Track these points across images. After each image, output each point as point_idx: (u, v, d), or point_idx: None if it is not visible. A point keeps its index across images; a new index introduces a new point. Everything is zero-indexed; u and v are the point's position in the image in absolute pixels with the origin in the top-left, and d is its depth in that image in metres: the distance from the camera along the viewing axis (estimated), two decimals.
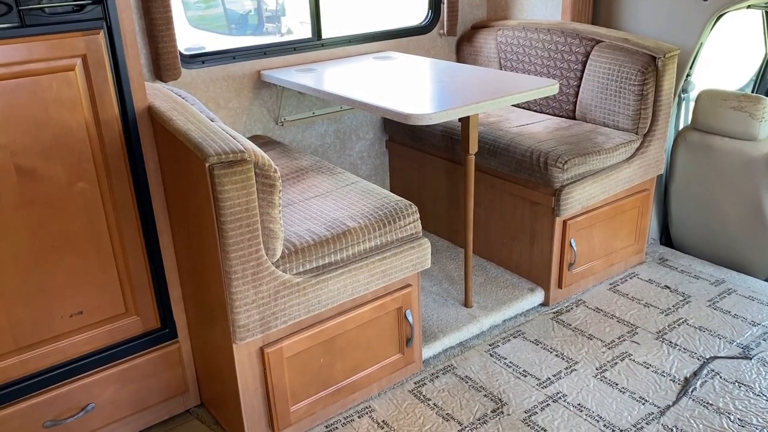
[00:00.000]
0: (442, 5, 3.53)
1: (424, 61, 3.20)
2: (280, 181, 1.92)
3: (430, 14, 3.57)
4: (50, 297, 1.95)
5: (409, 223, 2.28)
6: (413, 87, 2.71)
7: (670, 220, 3.48)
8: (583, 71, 3.14)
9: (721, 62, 4.16)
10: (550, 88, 2.57)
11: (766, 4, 3.64)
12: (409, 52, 3.51)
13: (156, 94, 2.11)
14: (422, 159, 3.41)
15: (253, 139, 3.07)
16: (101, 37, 1.83)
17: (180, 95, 2.22)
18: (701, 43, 3.09)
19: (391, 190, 3.73)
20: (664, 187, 3.45)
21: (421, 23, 3.58)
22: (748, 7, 3.14)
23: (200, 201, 1.87)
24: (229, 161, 1.77)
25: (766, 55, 4.03)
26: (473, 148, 2.57)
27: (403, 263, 2.27)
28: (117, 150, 1.95)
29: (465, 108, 2.34)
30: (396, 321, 2.37)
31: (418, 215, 2.30)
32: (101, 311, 2.06)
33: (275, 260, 1.98)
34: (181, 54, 2.78)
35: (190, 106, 2.07)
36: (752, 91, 4.11)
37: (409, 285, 2.36)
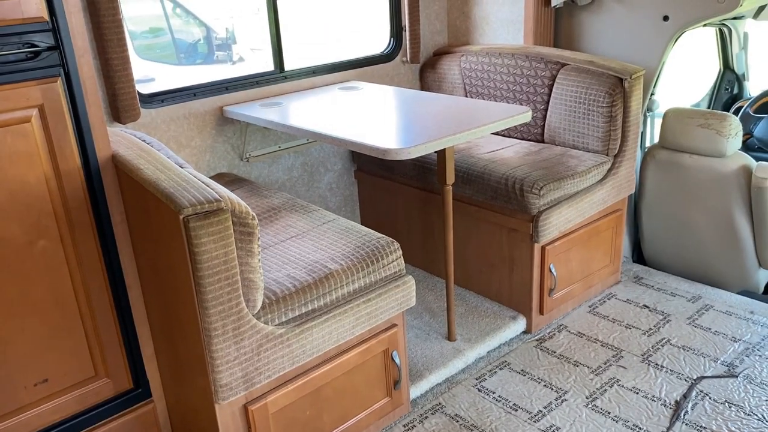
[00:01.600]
0: (404, 33, 3.49)
1: (390, 91, 3.15)
2: (259, 228, 1.81)
3: (392, 42, 3.53)
4: (11, 367, 1.79)
5: (392, 261, 2.20)
6: (385, 118, 2.64)
7: (641, 237, 3.50)
8: (549, 95, 3.14)
9: (676, 79, 4.25)
10: (523, 115, 2.54)
11: (720, 21, 3.74)
12: (374, 80, 3.46)
13: (119, 141, 1.99)
14: (393, 188, 3.34)
15: (219, 177, 2.95)
16: (59, 85, 1.71)
17: (144, 140, 2.10)
18: (663, 62, 3.12)
19: (362, 221, 3.65)
20: (633, 205, 3.47)
21: (384, 51, 3.53)
22: (704, 24, 3.20)
23: (174, 254, 1.75)
24: (205, 212, 1.66)
25: (719, 71, 4.13)
26: (450, 179, 2.51)
27: (389, 303, 2.18)
28: (80, 203, 1.81)
29: (443, 140, 2.28)
30: (383, 364, 2.27)
31: (401, 252, 2.22)
32: (69, 377, 1.91)
33: (256, 312, 1.87)
34: (139, 94, 2.66)
35: (157, 153, 1.95)
36: (708, 106, 4.21)
37: (394, 325, 2.27)
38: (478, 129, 2.39)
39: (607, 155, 3.01)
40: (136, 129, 2.67)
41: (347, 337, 2.09)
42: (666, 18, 3.00)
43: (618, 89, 2.90)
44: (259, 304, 1.87)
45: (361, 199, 3.60)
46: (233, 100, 2.97)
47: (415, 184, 3.20)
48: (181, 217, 1.64)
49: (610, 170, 3.00)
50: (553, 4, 3.25)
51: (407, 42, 3.48)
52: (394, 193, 3.35)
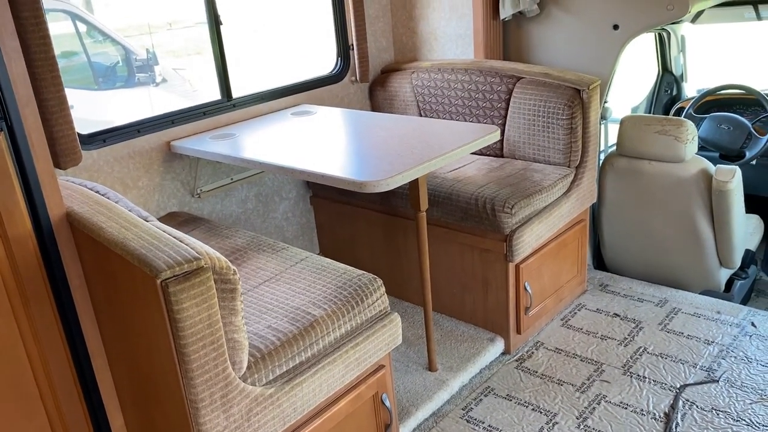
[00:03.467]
0: (351, 52, 3.37)
1: (345, 113, 3.03)
2: (241, 283, 1.65)
3: (340, 62, 3.41)
4: None
5: (377, 300, 2.07)
6: (348, 145, 2.52)
7: (602, 244, 3.51)
8: (507, 109, 3.10)
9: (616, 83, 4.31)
10: (493, 134, 2.47)
11: (661, 28, 3.82)
12: (324, 102, 3.32)
13: (71, 196, 1.78)
14: (353, 213, 3.21)
15: (170, 217, 2.74)
16: (1, 140, 1.50)
17: (98, 191, 1.89)
18: (615, 70, 3.14)
19: (321, 249, 3.50)
20: (592, 213, 3.48)
21: (332, 72, 3.40)
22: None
23: (149, 321, 1.57)
24: (185, 273, 1.49)
25: (658, 74, 4.23)
26: (424, 205, 2.41)
27: (376, 345, 2.05)
28: (33, 272, 1.60)
29: (419, 168, 2.18)
30: (373, 409, 2.14)
31: (384, 289, 2.10)
32: None
33: (242, 374, 1.70)
34: (79, 135, 2.42)
35: (116, 205, 1.75)
36: (649, 108, 4.30)
37: (382, 366, 2.14)
38: (452, 153, 2.30)
39: (569, 167, 2.99)
40: (77, 173, 2.44)
41: (337, 387, 1.95)
42: (616, 27, 3.02)
43: (576, 101, 2.89)
44: (245, 365, 1.71)
45: (319, 225, 3.46)
46: (181, 134, 2.77)
47: (377, 208, 3.08)
48: (159, 281, 1.46)
49: (573, 182, 2.98)
50: (501, 17, 3.22)
51: (355, 61, 3.37)
52: (355, 218, 3.22)
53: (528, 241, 2.72)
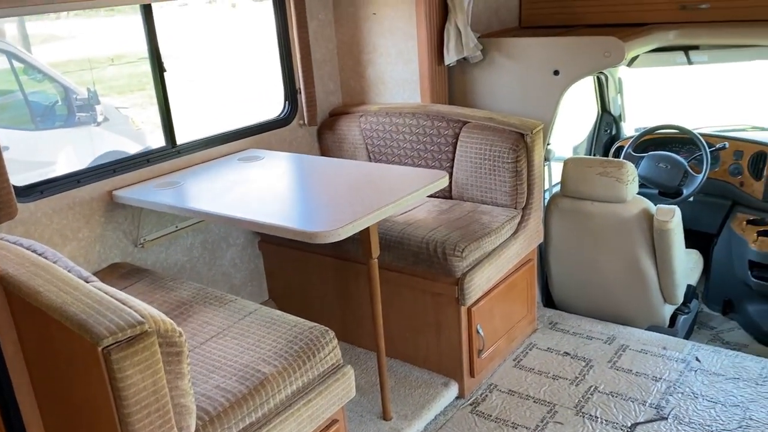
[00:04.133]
0: (299, 96, 3.37)
1: (294, 159, 3.01)
2: (187, 344, 1.59)
3: (287, 106, 3.40)
4: None
5: (329, 353, 2.04)
6: (297, 192, 2.50)
7: (550, 282, 3.56)
8: (454, 152, 3.14)
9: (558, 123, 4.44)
10: (442, 180, 2.49)
11: (600, 72, 3.96)
12: (272, 146, 3.29)
13: (5, 257, 1.69)
14: (303, 258, 3.17)
15: (112, 269, 2.64)
16: None
17: (34, 250, 1.80)
18: (556, 114, 3.23)
19: (270, 295, 3.43)
20: (540, 252, 3.53)
21: (279, 116, 3.39)
22: None
23: (90, 389, 1.49)
24: (128, 338, 1.42)
25: (598, 114, 4.38)
26: (375, 252, 2.40)
27: (330, 400, 2.01)
28: None
29: (370, 216, 2.17)
30: None
31: (336, 341, 2.06)
32: None
33: None
34: (14, 187, 2.32)
35: (54, 266, 1.68)
36: (589, 147, 4.44)
37: (335, 421, 2.10)
38: (403, 200, 2.30)
39: (515, 208, 3.03)
40: (13, 227, 2.33)
41: None
42: (557, 72, 3.11)
43: (521, 144, 2.95)
44: (193, 430, 1.64)
45: (268, 271, 3.39)
46: (123, 183, 2.69)
47: (328, 253, 3.05)
48: (100, 348, 1.40)
49: (520, 223, 3.03)
50: (446, 63, 3.28)
51: (303, 104, 3.37)
52: (305, 263, 3.18)
53: (479, 283, 2.74)
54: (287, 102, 3.40)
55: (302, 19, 3.21)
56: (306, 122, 3.39)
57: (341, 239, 2.07)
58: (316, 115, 3.41)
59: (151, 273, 2.58)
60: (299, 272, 3.23)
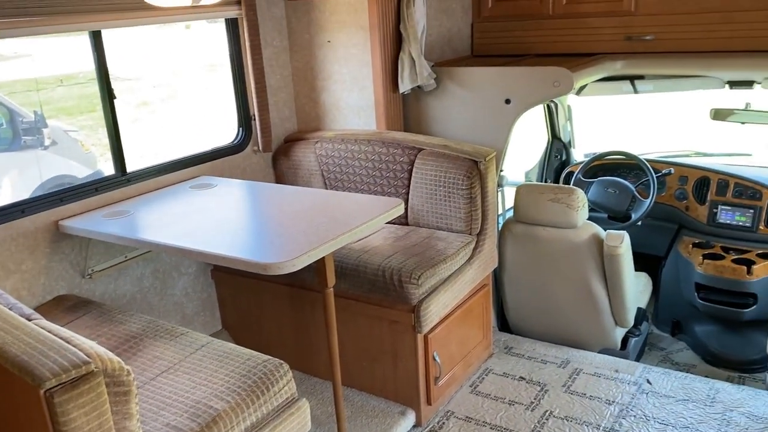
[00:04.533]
0: (253, 122, 3.34)
1: (247, 186, 2.97)
2: (136, 383, 1.54)
3: (241, 132, 3.37)
4: None
5: (284, 386, 2.00)
6: (250, 221, 2.47)
7: (505, 307, 3.60)
8: (410, 179, 3.15)
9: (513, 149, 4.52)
10: (397, 208, 2.50)
11: (550, 100, 4.06)
12: (225, 173, 3.25)
13: None
14: (257, 286, 3.12)
15: (58, 302, 2.55)
16: None
17: None
18: (509, 141, 3.29)
19: (223, 324, 3.36)
20: (495, 277, 3.56)
21: (233, 142, 3.35)
22: None
23: None
24: (72, 380, 1.37)
25: (549, 140, 4.48)
26: (331, 281, 2.38)
27: None
28: None
29: (325, 246, 2.15)
30: None
31: (291, 374, 2.03)
32: None
33: None
34: None
35: None
36: (541, 172, 4.53)
37: None
38: (358, 229, 2.29)
39: (470, 234, 3.06)
40: None
41: None
42: (508, 101, 3.17)
43: (474, 171, 2.99)
44: None
45: (221, 300, 3.33)
46: (70, 212, 2.61)
47: (283, 281, 3.01)
48: (42, 391, 1.34)
49: (475, 249, 3.05)
50: (401, 91, 3.31)
51: (257, 131, 3.34)
52: (259, 291, 3.13)
53: (435, 310, 2.74)
54: (241, 128, 3.37)
55: (256, 45, 3.20)
56: (260, 149, 3.37)
57: (295, 270, 2.04)
58: (270, 141, 3.39)
59: (99, 305, 2.50)
60: (253, 301, 3.18)
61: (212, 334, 3.27)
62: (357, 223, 2.33)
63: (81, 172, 6.07)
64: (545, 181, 4.54)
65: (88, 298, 2.65)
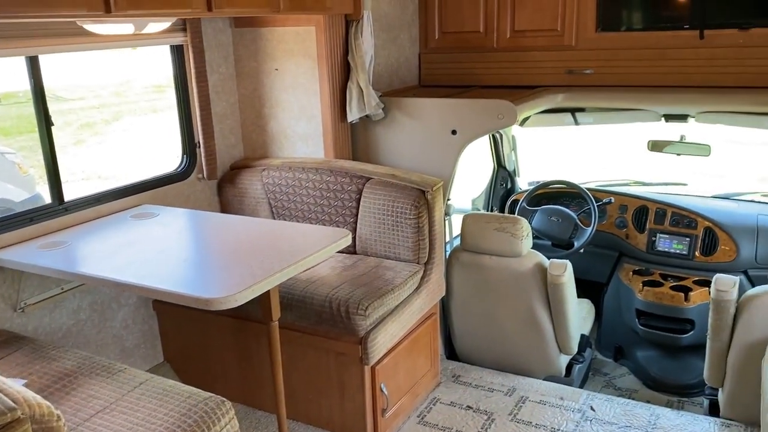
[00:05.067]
0: (197, 149, 3.29)
1: (191, 215, 2.91)
2: (67, 426, 1.47)
3: (185, 159, 3.30)
4: None
5: (226, 425, 1.95)
6: (193, 253, 2.41)
7: (453, 335, 3.61)
8: (358, 208, 3.15)
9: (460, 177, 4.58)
10: (344, 239, 2.49)
11: (492, 135, 4.16)
12: (168, 202, 3.17)
13: None
14: (200, 317, 3.03)
15: None
16: None
17: None
18: (455, 170, 3.33)
19: (165, 356, 3.26)
20: (443, 305, 3.58)
21: (177, 170, 3.28)
22: None
23: None
24: None
25: (494, 169, 4.57)
26: (276, 314, 2.34)
27: None
28: None
29: (270, 280, 2.12)
30: None
31: (233, 412, 1.98)
32: None
33: None
34: None
35: None
36: (487, 200, 4.60)
37: None
38: (304, 261, 2.27)
39: (418, 263, 3.07)
40: None
41: None
42: (454, 132, 3.22)
43: (422, 201, 3.01)
44: None
45: (163, 332, 3.23)
46: (4, 243, 2.50)
47: (227, 313, 2.90)
48: None
49: (423, 278, 3.06)
50: (349, 120, 3.32)
51: (202, 158, 3.29)
52: (203, 323, 3.05)
53: (382, 341, 2.72)
54: (185, 155, 3.31)
55: (201, 72, 3.16)
56: (205, 176, 3.31)
57: (238, 305, 2.00)
58: (216, 168, 3.34)
59: (32, 341, 2.39)
60: (197, 333, 3.10)
61: (153, 367, 3.17)
62: (303, 254, 2.30)
63: (18, 196, 5.83)
64: (491, 209, 4.61)
65: (20, 333, 2.53)
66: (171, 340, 3.23)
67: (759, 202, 4.02)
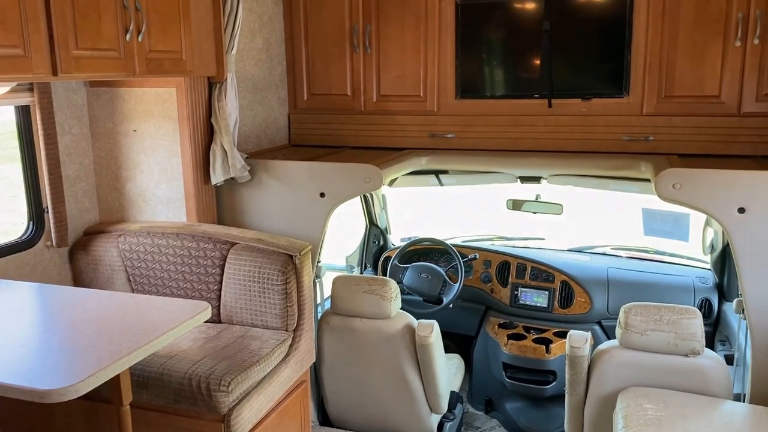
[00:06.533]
0: (46, 214, 3.05)
1: (34, 290, 2.66)
2: None
3: (32, 226, 3.05)
4: None
5: None
6: (30, 337, 2.19)
7: (325, 400, 3.53)
8: (222, 275, 3.04)
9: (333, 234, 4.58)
10: (204, 313, 2.37)
11: (363, 195, 4.21)
12: (9, 274, 2.89)
13: None
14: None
15: None
16: None
17: None
18: (325, 232, 3.31)
19: None
20: (314, 370, 3.50)
21: (22, 237, 3.02)
22: None
23: None
24: None
25: (366, 227, 4.61)
26: (127, 398, 2.18)
27: None
28: None
29: (117, 364, 1.96)
30: None
31: None
32: None
33: None
34: None
35: None
36: (360, 257, 4.62)
37: None
38: (158, 340, 2.13)
39: (286, 330, 3.00)
40: None
41: None
42: (323, 194, 3.22)
43: (290, 266, 2.96)
44: None
45: (2, 420, 2.90)
46: None
47: None
48: None
49: (291, 346, 2.99)
50: (213, 182, 3.23)
51: (51, 224, 3.05)
52: (48, 407, 2.77)
53: (247, 417, 2.61)
54: (31, 222, 3.05)
55: (51, 134, 2.96)
56: (54, 243, 3.07)
57: (79, 396, 1.83)
58: (66, 235, 3.11)
59: None
60: (40, 417, 2.81)
61: None
62: (157, 333, 2.16)
63: None
64: (365, 266, 4.63)
65: None
66: (10, 427, 2.90)
67: (608, 254, 4.33)
